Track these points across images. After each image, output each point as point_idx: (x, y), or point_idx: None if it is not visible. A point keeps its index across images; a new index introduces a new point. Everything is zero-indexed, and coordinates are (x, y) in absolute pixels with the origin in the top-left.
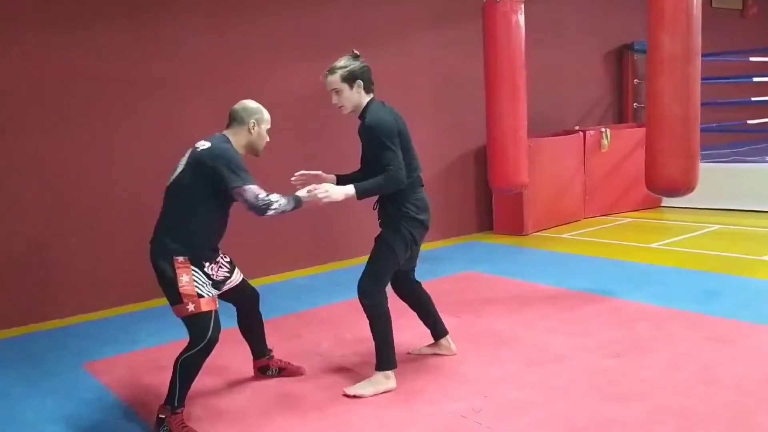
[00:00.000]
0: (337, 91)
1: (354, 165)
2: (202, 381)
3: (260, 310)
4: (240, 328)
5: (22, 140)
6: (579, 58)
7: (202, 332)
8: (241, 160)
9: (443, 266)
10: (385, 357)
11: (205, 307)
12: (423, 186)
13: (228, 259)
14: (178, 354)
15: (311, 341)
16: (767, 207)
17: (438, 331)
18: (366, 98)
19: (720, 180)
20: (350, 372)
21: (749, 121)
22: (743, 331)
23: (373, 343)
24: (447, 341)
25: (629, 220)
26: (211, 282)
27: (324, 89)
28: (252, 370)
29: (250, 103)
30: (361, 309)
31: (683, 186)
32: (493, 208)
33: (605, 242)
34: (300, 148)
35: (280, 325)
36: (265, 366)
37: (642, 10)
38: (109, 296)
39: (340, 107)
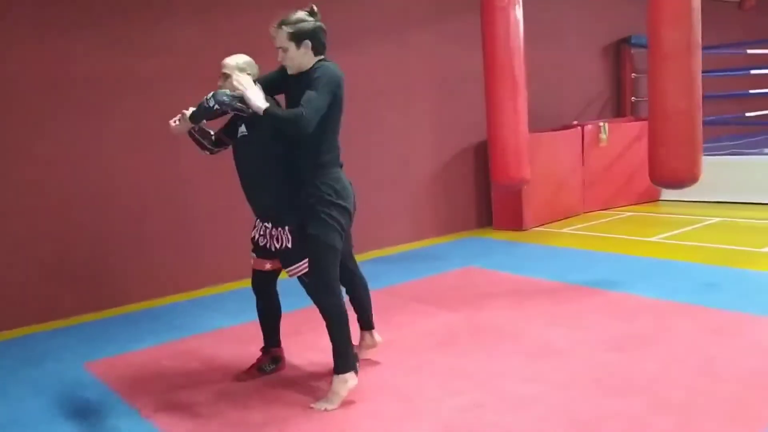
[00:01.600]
0: (283, 49)
1: (345, 157)
2: (195, 383)
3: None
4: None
5: (15, 139)
6: (577, 53)
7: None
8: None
9: (443, 262)
10: (345, 359)
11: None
12: (341, 166)
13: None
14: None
15: (311, 338)
16: (766, 199)
17: (364, 323)
18: (313, 60)
19: (719, 173)
20: None
21: (747, 114)
22: (744, 322)
23: (331, 346)
24: (371, 334)
25: (628, 213)
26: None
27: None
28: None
29: (236, 58)
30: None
31: (688, 178)
32: (492, 203)
33: (604, 236)
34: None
35: (284, 321)
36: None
37: (639, 4)
38: (109, 296)
39: (286, 66)
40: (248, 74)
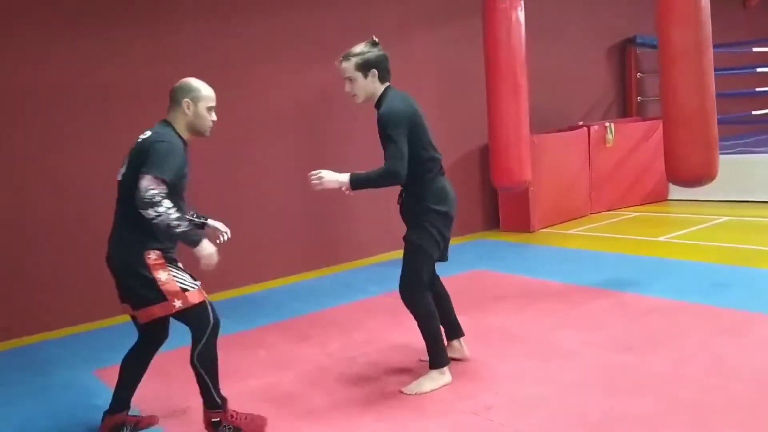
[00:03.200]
0: (351, 79)
1: (355, 166)
2: None
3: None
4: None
5: (23, 148)
6: (581, 54)
7: (202, 322)
8: (175, 149)
9: (451, 265)
10: (437, 354)
11: (194, 299)
12: (444, 174)
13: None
14: (189, 357)
15: (320, 343)
16: None
17: (452, 331)
18: (381, 88)
19: (727, 171)
20: (359, 372)
21: (754, 112)
22: (754, 322)
23: (424, 342)
24: (459, 344)
25: (636, 214)
26: (189, 275)
27: (332, 82)
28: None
29: (186, 82)
30: (367, 310)
31: (705, 176)
32: (499, 205)
33: (613, 237)
34: (301, 150)
35: (290, 327)
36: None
37: (643, 4)
38: (118, 304)
39: (353, 96)
40: None
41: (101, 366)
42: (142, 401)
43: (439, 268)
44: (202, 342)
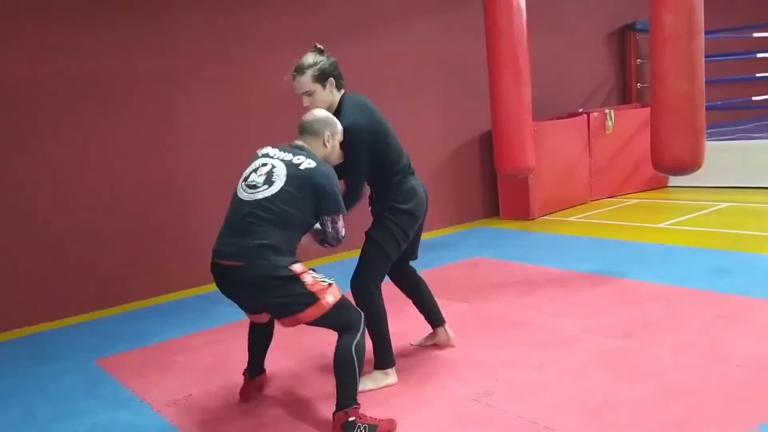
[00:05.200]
0: (309, 93)
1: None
2: (207, 377)
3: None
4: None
5: (20, 139)
6: (581, 40)
7: (352, 314)
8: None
9: (451, 253)
10: (383, 355)
11: (339, 293)
12: (413, 173)
13: None
14: (340, 351)
15: (319, 330)
16: None
17: (433, 320)
18: (338, 96)
19: (727, 158)
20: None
21: (754, 98)
22: (754, 308)
23: (371, 342)
24: (444, 331)
25: (636, 201)
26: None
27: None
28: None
29: (323, 113)
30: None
31: (690, 164)
32: (499, 193)
33: (612, 224)
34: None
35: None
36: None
37: None
38: (120, 293)
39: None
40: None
41: (103, 355)
42: (142, 389)
43: (440, 256)
44: (360, 332)
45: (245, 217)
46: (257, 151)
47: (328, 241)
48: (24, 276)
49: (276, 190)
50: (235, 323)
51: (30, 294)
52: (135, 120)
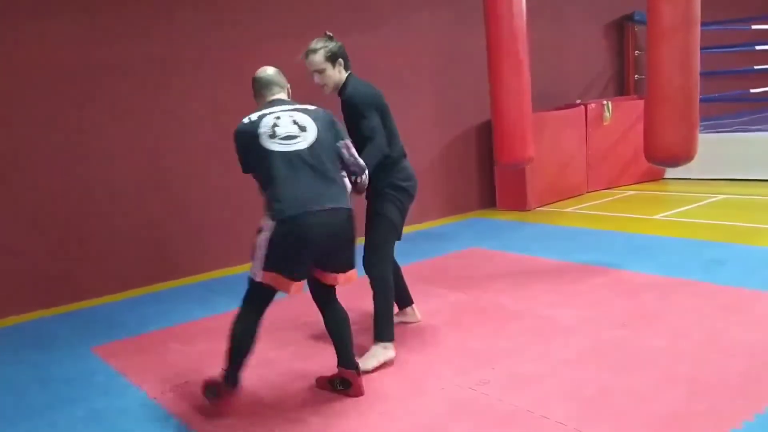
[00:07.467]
0: (320, 71)
1: None
2: (202, 365)
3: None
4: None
5: (23, 130)
6: (579, 30)
7: None
8: None
9: (447, 243)
10: (385, 328)
11: None
12: (406, 156)
13: None
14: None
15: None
16: None
17: (404, 300)
18: (345, 76)
19: (724, 150)
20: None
21: (752, 90)
22: (750, 298)
23: (373, 315)
24: (412, 309)
25: (633, 192)
26: None
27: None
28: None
29: (271, 68)
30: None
31: (683, 156)
32: (496, 184)
33: (609, 215)
34: None
35: (287, 306)
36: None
37: None
38: (115, 280)
39: (323, 86)
40: None
41: (99, 343)
42: (138, 377)
43: (436, 247)
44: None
45: (314, 165)
46: (249, 117)
47: (353, 172)
48: (20, 262)
49: (315, 134)
50: (231, 312)
51: (27, 281)
52: (128, 108)
